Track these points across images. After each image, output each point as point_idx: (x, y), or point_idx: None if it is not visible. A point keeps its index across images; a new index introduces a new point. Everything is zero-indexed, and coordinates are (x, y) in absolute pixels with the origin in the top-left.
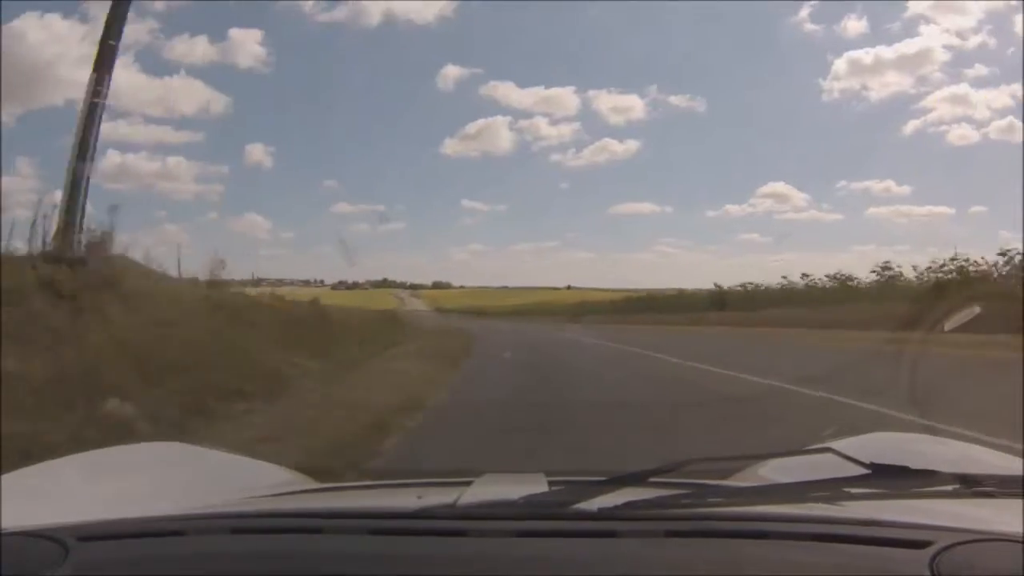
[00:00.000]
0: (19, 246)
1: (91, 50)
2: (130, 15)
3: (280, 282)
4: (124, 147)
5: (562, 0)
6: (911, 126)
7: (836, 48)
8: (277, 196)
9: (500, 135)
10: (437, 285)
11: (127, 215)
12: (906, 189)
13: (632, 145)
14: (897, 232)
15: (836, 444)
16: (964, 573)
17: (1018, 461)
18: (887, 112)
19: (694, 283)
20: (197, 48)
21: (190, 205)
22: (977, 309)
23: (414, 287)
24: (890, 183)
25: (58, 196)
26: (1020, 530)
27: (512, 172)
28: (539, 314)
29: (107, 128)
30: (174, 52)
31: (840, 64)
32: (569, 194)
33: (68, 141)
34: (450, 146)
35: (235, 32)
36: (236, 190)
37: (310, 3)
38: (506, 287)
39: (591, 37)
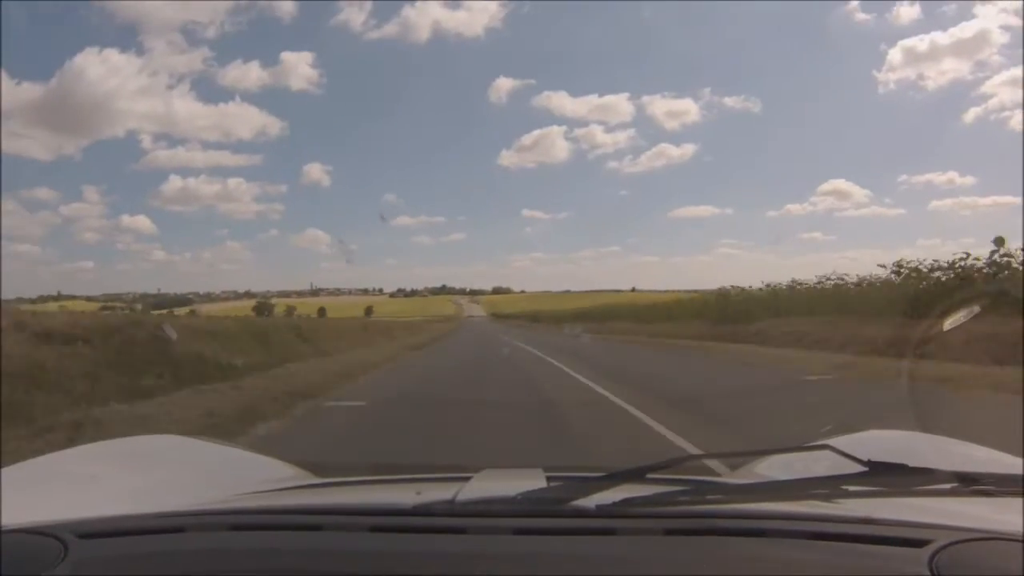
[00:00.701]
0: None
1: (148, 82)
2: (183, 44)
3: (338, 291)
4: (185, 172)
5: (610, 6)
6: (972, 114)
7: (889, 37)
8: (337, 212)
9: (556, 145)
10: (497, 290)
11: (191, 234)
12: (969, 180)
13: (689, 149)
14: (962, 224)
15: (834, 441)
16: (963, 571)
17: (1017, 460)
18: (946, 101)
19: (757, 283)
20: (250, 73)
21: (252, 223)
22: (977, 308)
23: (473, 293)
24: (953, 174)
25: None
26: (1019, 529)
27: (571, 181)
28: (607, 318)
29: (167, 155)
30: (227, 79)
31: (895, 54)
32: (629, 200)
33: (131, 169)
34: (507, 157)
35: (287, 55)
36: (296, 208)
37: (359, 22)
38: (569, 291)
39: (642, 42)
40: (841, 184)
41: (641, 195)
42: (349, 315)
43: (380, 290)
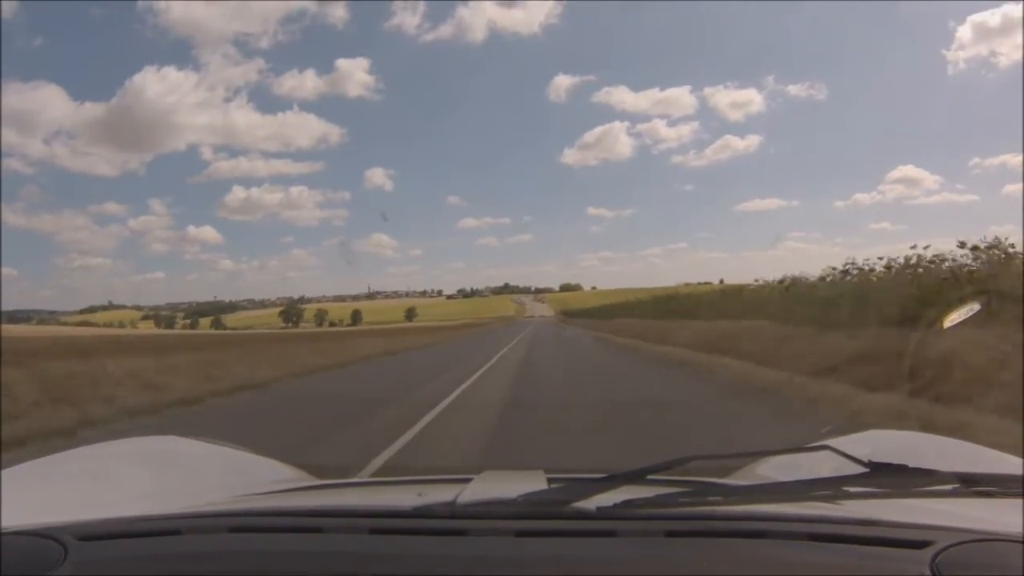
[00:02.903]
0: None
1: (206, 95)
2: (237, 56)
3: (395, 294)
4: (247, 182)
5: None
6: None
7: (958, 13)
8: (401, 216)
9: (619, 141)
10: (566, 288)
11: (257, 243)
12: None
13: (753, 140)
14: None
15: (834, 442)
16: (964, 573)
17: (1018, 461)
18: (1020, 77)
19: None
20: (306, 82)
21: (316, 230)
22: (978, 305)
23: (539, 291)
24: None
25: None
26: (1020, 530)
27: (635, 177)
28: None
29: (228, 166)
30: (284, 88)
31: (964, 31)
32: (694, 195)
33: (194, 181)
34: (570, 155)
35: (342, 62)
36: (360, 213)
37: (412, 25)
38: (641, 288)
39: (702, 31)
40: (910, 170)
41: (707, 189)
42: (390, 319)
43: (439, 291)
